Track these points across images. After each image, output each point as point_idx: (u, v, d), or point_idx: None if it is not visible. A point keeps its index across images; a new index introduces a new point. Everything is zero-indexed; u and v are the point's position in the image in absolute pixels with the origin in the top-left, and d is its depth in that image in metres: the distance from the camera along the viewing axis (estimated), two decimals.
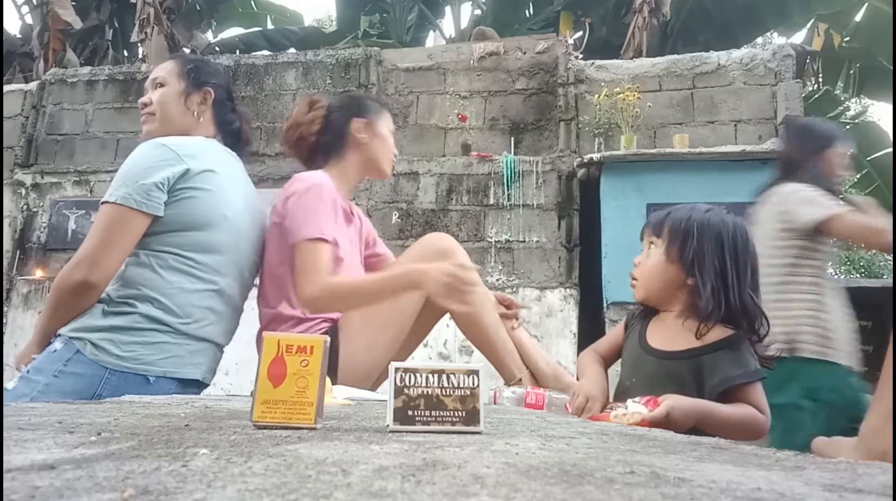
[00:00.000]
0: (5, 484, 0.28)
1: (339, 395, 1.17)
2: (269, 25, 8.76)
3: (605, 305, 3.98)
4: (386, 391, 0.71)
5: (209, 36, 8.61)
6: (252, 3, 8.80)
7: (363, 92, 4.75)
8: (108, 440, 0.53)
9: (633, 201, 4.08)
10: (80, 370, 1.27)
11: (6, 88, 5.38)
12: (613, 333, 1.48)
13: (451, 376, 0.65)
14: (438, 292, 1.37)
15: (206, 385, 1.47)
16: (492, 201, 4.39)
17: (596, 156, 4.20)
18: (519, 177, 4.38)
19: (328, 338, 0.77)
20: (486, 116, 4.77)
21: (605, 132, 4.41)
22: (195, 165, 1.38)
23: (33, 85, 5.31)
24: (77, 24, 6.60)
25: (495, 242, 4.29)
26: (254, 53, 6.54)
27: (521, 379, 1.51)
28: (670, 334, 1.29)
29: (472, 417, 0.64)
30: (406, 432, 0.64)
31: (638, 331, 1.36)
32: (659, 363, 1.27)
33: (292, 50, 7.31)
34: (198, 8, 8.11)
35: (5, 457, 0.39)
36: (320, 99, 1.71)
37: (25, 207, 4.89)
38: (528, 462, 0.42)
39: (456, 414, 0.64)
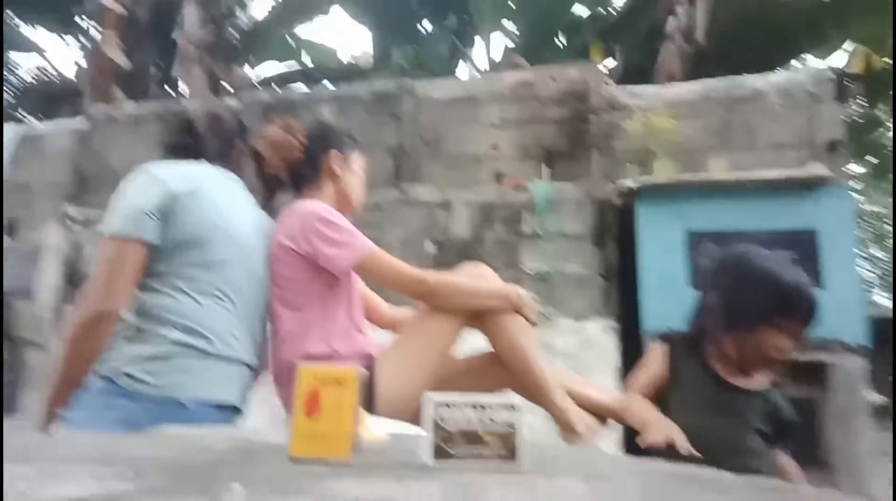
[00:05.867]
0: None
1: (375, 428, 1.15)
2: (305, 61, 9.02)
3: (644, 336, 3.89)
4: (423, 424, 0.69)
5: (247, 71, 8.89)
6: (288, 39, 9.08)
7: (393, 125, 4.82)
8: (143, 474, 0.53)
9: (671, 229, 4.01)
10: (118, 403, 1.28)
11: (59, 126, 5.62)
12: (652, 369, 1.44)
13: (490, 410, 0.63)
14: (522, 307, 1.52)
15: (242, 411, 1.46)
16: (526, 230, 4.37)
17: (631, 183, 4.15)
18: (553, 205, 4.36)
19: (363, 370, 0.76)
20: (519, 145, 4.78)
21: (641, 159, 4.36)
22: (179, 187, 1.40)
23: (83, 122, 5.55)
24: (124, 64, 6.89)
25: (530, 271, 4.26)
26: (290, 87, 6.72)
27: (564, 412, 1.45)
28: (732, 371, 1.31)
29: (512, 454, 0.61)
30: (444, 469, 0.61)
31: (699, 365, 1.33)
32: (747, 402, 1.29)
33: (328, 84, 7.49)
34: (236, 45, 8.40)
35: (40, 489, 0.38)
36: (295, 123, 1.68)
37: (73, 240, 5.06)
38: None
39: (496, 451, 0.61)
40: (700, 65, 6.32)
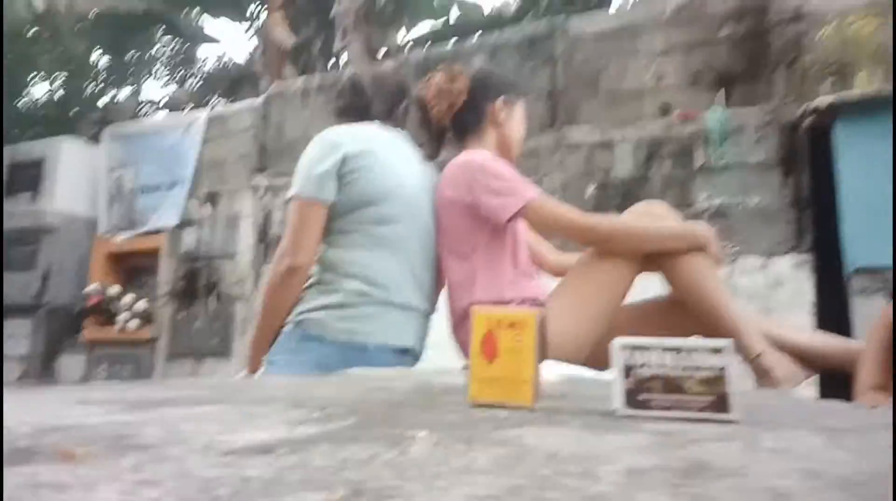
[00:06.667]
0: (216, 470, 0.25)
1: (549, 372, 1.11)
2: (454, 18, 9.02)
3: (847, 272, 3.41)
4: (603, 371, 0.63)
5: (402, 34, 9.09)
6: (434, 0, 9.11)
7: (547, 67, 4.63)
8: (331, 416, 0.53)
9: (877, 151, 3.42)
10: (309, 347, 1.39)
11: (239, 105, 6.19)
12: None
13: (692, 354, 0.55)
14: (707, 245, 1.40)
15: (419, 355, 1.53)
16: (699, 164, 3.99)
17: (826, 101, 3.58)
18: (731, 134, 3.93)
19: (541, 311, 0.71)
20: (688, 72, 4.34)
21: (838, 72, 3.74)
22: (352, 149, 1.48)
23: (260, 100, 6.04)
24: (290, 42, 7.37)
25: (707, 207, 3.90)
26: (442, 43, 6.74)
27: (760, 355, 1.30)
28: None
29: (721, 403, 0.53)
30: (638, 418, 0.55)
31: None
32: None
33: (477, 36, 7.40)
34: (389, 12, 8.60)
35: (231, 434, 0.38)
36: (461, 72, 1.65)
37: (263, 207, 5.60)
38: (834, 471, 0.31)
39: (701, 400, 0.54)
40: None
